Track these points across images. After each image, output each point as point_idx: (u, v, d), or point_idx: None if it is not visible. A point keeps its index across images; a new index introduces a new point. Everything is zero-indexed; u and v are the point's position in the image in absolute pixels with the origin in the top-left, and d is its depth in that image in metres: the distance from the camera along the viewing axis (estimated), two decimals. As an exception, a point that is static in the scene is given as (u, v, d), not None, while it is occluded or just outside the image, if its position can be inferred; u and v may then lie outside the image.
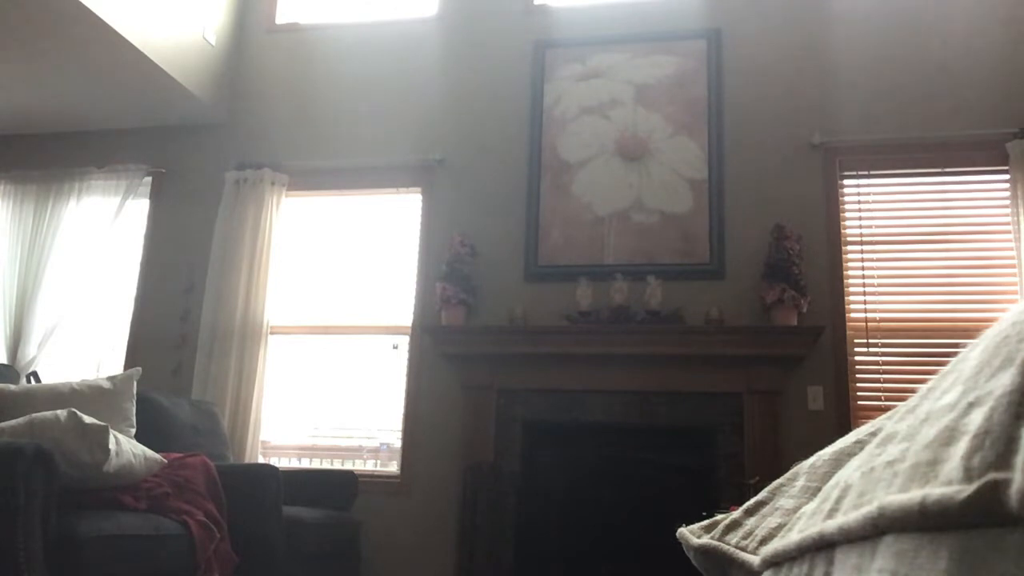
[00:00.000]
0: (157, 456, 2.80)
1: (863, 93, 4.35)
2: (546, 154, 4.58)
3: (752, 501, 0.83)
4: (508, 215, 4.57)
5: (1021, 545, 0.29)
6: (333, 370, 4.68)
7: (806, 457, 0.80)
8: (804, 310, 4.01)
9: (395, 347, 4.61)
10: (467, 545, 4.08)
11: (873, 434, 0.62)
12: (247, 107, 5.14)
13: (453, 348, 4.30)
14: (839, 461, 0.68)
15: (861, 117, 4.32)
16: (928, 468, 0.36)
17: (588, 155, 4.53)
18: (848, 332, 4.10)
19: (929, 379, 0.46)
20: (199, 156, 5.12)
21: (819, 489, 0.66)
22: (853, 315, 4.13)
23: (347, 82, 5.02)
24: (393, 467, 4.48)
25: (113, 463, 2.52)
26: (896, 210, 4.26)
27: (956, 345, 3.84)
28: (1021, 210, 3.96)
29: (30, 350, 4.89)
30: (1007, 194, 4.09)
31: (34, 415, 2.52)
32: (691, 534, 0.89)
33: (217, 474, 3.07)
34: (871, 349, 4.09)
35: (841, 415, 3.98)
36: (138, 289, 4.98)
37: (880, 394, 4.05)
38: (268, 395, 4.64)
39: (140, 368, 3.45)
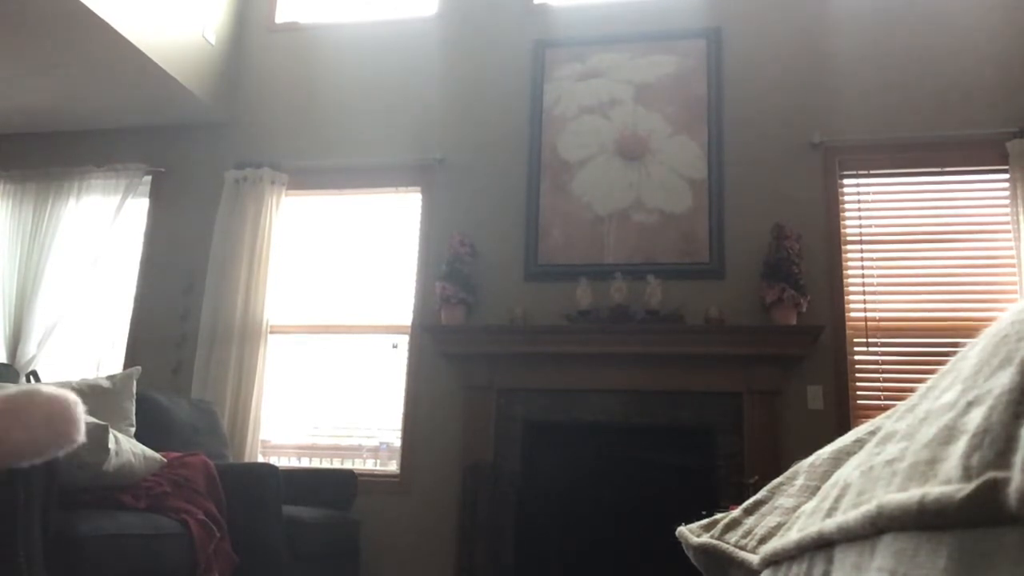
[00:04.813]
0: (157, 455, 2.80)
1: (863, 92, 4.35)
2: (546, 153, 4.58)
3: (751, 500, 0.83)
4: (508, 214, 4.57)
5: (1020, 544, 0.29)
6: (333, 369, 4.68)
7: (805, 456, 0.80)
8: (804, 309, 4.01)
9: (395, 346, 4.61)
10: (467, 544, 4.08)
11: (872, 433, 0.62)
12: (247, 106, 5.14)
13: (453, 347, 4.30)
14: (838, 460, 0.68)
15: (861, 116, 4.32)
16: (927, 467, 0.36)
17: (588, 154, 4.53)
18: (848, 331, 4.10)
19: (928, 378, 0.46)
20: (199, 155, 5.12)
21: (818, 488, 0.66)
22: (853, 314, 4.13)
23: (347, 81, 5.02)
24: (393, 466, 4.49)
25: (113, 462, 2.52)
26: (896, 209, 4.26)
27: (956, 344, 3.84)
28: (1021, 209, 3.96)
29: (30, 349, 4.89)
30: (1007, 194, 4.09)
31: (34, 414, 2.51)
32: (690, 533, 0.89)
33: (217, 473, 3.07)
34: (871, 348, 4.09)
35: (841, 414, 3.98)
36: (138, 288, 4.98)
37: (879, 393, 4.05)
38: (268, 394, 4.64)
39: (140, 367, 3.45)
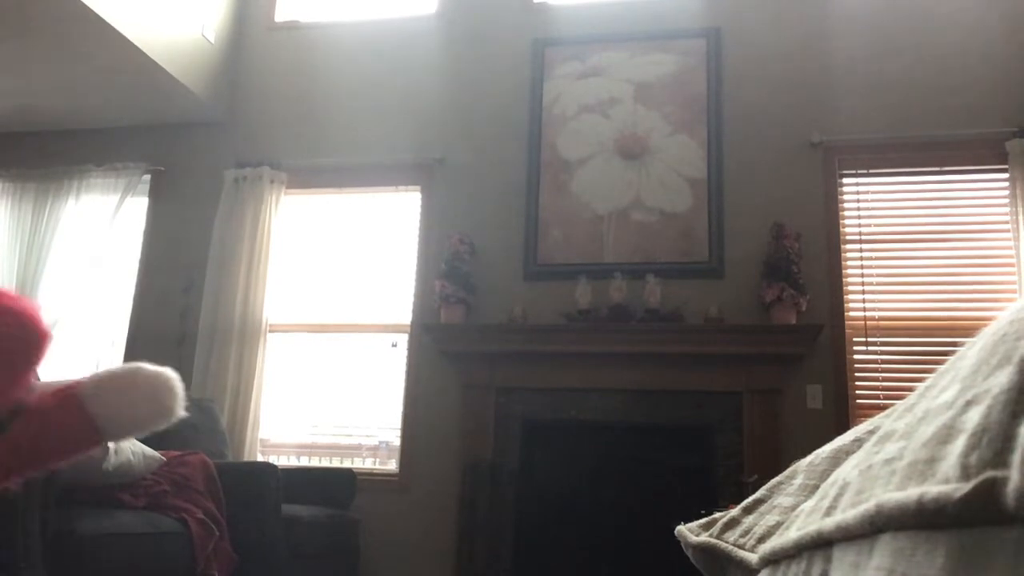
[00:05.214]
0: (156, 454, 2.81)
1: (862, 91, 4.35)
2: (545, 152, 4.58)
3: (750, 499, 0.83)
4: (507, 213, 4.56)
5: (1018, 543, 0.29)
6: (332, 368, 4.68)
7: (805, 455, 0.80)
8: (803, 309, 4.01)
9: (394, 345, 4.61)
10: (466, 543, 4.08)
11: (871, 432, 0.62)
12: (246, 105, 5.13)
13: (452, 346, 4.30)
14: (837, 459, 0.68)
15: (860, 116, 4.32)
16: (925, 466, 0.36)
17: (587, 153, 4.53)
18: (847, 331, 4.10)
19: (927, 377, 0.46)
20: (198, 154, 5.11)
21: (817, 487, 0.66)
22: (852, 314, 4.13)
23: (346, 80, 5.02)
24: (392, 465, 4.49)
25: (112, 461, 2.52)
26: (895, 209, 4.26)
27: (955, 344, 3.84)
28: (1020, 209, 3.96)
29: (29, 348, 4.88)
30: (1006, 193, 4.09)
31: (33, 413, 2.51)
32: (689, 532, 0.89)
33: (216, 472, 3.07)
34: (870, 348, 4.09)
35: (840, 414, 3.98)
36: (137, 287, 4.98)
37: (879, 392, 4.05)
38: (267, 393, 4.63)
39: (139, 366, 3.44)
